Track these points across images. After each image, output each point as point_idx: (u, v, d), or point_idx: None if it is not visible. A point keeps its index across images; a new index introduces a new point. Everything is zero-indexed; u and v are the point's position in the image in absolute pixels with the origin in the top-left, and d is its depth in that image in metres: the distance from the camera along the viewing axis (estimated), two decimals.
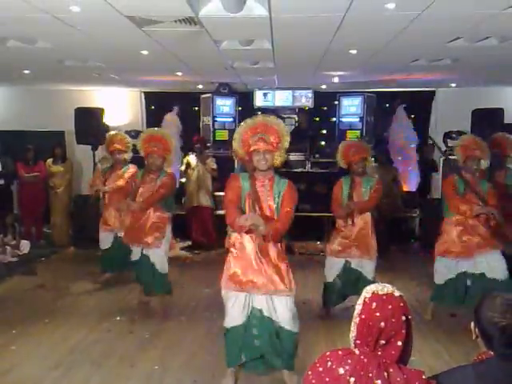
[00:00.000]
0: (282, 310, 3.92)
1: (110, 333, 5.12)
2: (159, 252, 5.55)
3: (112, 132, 7.21)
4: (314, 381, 1.94)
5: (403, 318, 1.87)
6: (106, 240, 6.61)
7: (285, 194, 3.89)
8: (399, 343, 1.86)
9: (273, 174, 3.95)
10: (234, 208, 3.80)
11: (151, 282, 5.62)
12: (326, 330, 5.21)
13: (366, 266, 5.47)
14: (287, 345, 3.95)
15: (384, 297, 1.91)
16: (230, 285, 3.92)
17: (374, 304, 1.90)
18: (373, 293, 1.93)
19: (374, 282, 2.08)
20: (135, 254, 5.65)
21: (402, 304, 1.90)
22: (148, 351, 4.73)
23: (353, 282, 5.45)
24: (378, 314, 1.87)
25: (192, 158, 8.47)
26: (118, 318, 5.51)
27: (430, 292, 6.19)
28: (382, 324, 1.86)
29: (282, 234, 3.90)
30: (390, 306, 1.88)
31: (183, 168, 8.52)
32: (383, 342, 1.87)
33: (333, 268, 5.56)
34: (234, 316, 3.94)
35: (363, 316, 1.91)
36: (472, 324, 1.98)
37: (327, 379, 1.90)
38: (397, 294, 1.92)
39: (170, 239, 5.83)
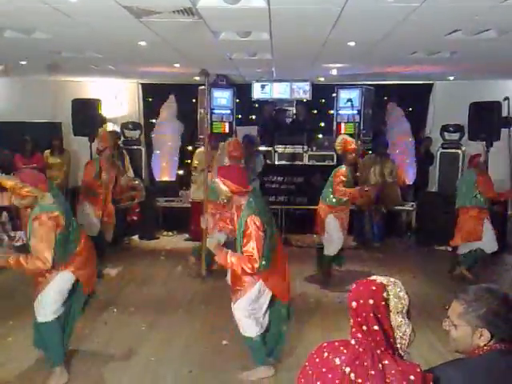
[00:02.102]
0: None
1: (107, 325, 5.13)
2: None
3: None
4: (310, 371, 1.97)
5: (370, 301, 1.90)
6: None
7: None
8: (375, 327, 1.89)
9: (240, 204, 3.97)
10: None
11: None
12: (322, 322, 5.23)
13: None
14: None
15: (364, 281, 1.98)
16: None
17: (353, 286, 1.98)
18: (362, 279, 2.01)
19: None
20: None
21: (373, 288, 1.93)
22: (144, 343, 4.75)
23: None
24: (350, 294, 1.96)
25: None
26: (115, 310, 5.52)
27: (425, 285, 6.26)
28: (354, 304, 1.93)
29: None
30: (361, 288, 1.94)
31: (196, 162, 8.19)
32: (365, 327, 1.90)
33: None
34: None
35: (347, 297, 1.99)
36: (474, 334, 1.98)
37: (324, 369, 1.92)
38: (378, 281, 1.96)
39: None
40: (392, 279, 1.99)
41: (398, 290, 1.95)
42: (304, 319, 5.34)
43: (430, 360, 3.61)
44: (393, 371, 1.83)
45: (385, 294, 1.92)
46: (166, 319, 5.32)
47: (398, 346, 1.93)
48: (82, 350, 4.56)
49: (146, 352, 4.55)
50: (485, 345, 1.95)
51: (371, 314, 1.88)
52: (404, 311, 1.94)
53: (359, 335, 1.91)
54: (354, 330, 1.94)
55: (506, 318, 1.94)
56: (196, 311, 5.54)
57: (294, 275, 6.92)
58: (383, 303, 1.90)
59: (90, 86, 10.27)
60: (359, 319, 1.90)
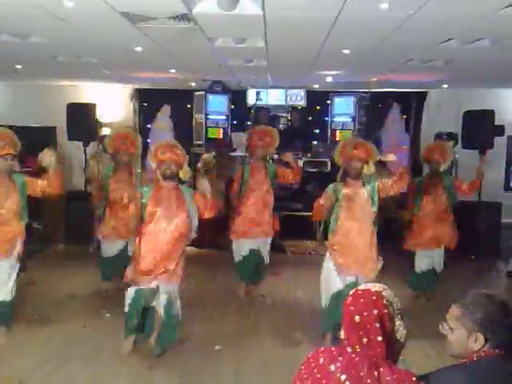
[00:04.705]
0: None
1: (100, 329, 5.10)
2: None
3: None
4: (305, 375, 1.97)
5: (375, 311, 1.89)
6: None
7: None
8: (379, 338, 1.87)
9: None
10: None
11: None
12: (317, 328, 5.22)
13: None
14: None
15: (360, 292, 1.96)
16: None
17: (350, 299, 1.96)
18: (355, 290, 2.00)
19: None
20: None
21: (374, 298, 1.92)
22: (137, 348, 4.73)
23: None
24: (352, 308, 1.93)
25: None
26: (108, 315, 5.50)
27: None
28: (357, 318, 1.90)
29: None
30: (361, 300, 1.92)
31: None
32: (366, 339, 1.89)
33: None
34: None
35: (344, 312, 1.96)
36: (470, 337, 1.99)
37: (319, 375, 1.92)
38: (373, 289, 1.95)
39: None
40: (378, 284, 2.00)
41: (390, 292, 1.97)
42: (298, 325, 5.34)
43: (422, 367, 3.61)
44: (388, 378, 1.84)
45: (384, 301, 1.92)
46: None
47: (397, 346, 1.94)
48: (74, 354, 4.54)
49: (139, 357, 4.54)
50: (479, 349, 1.96)
51: (377, 325, 1.87)
52: (399, 313, 1.96)
53: (357, 347, 1.90)
54: (351, 341, 1.92)
55: (501, 323, 1.94)
56: (188, 317, 5.52)
57: (288, 281, 6.98)
58: (385, 311, 1.90)
59: (86, 91, 10.26)
60: (361, 332, 1.89)
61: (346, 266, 4.79)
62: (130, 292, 4.50)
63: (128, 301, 4.51)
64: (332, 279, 4.84)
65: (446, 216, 6.11)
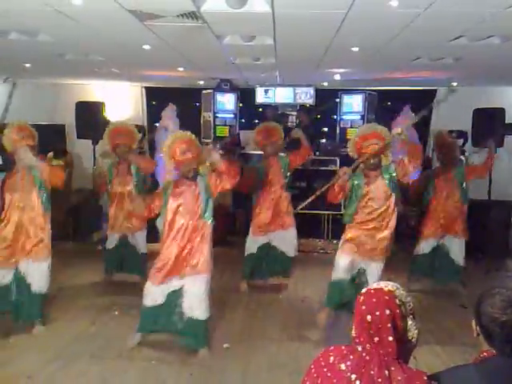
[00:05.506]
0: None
1: (109, 326, 5.13)
2: None
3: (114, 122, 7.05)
4: (315, 375, 1.96)
5: (387, 311, 1.87)
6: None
7: None
8: (390, 338, 1.85)
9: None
10: None
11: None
12: (323, 327, 5.21)
13: None
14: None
15: (372, 291, 1.94)
16: None
17: (362, 298, 1.94)
18: (367, 289, 1.97)
19: None
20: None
21: (386, 297, 1.90)
22: (146, 345, 4.74)
23: None
24: (363, 308, 1.91)
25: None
26: (117, 313, 5.51)
27: (429, 290, 6.24)
28: (369, 317, 1.88)
29: None
30: (374, 300, 1.90)
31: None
32: (377, 338, 1.87)
33: None
34: None
35: (356, 311, 1.94)
36: (473, 322, 1.99)
37: (329, 374, 1.91)
38: (386, 288, 1.93)
39: None
40: (391, 283, 1.98)
41: (402, 292, 1.95)
42: (306, 323, 5.34)
43: (431, 366, 3.60)
44: (399, 377, 1.83)
45: (397, 301, 1.90)
46: None
47: (408, 346, 1.92)
48: (82, 351, 4.56)
49: (148, 354, 4.55)
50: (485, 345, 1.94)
51: (388, 325, 1.85)
52: (411, 313, 1.94)
53: (368, 346, 1.89)
54: (361, 339, 1.91)
55: (497, 322, 1.90)
56: None
57: (296, 279, 6.96)
58: (398, 311, 1.88)
59: (94, 89, 10.29)
60: (372, 332, 1.87)
61: (357, 253, 4.98)
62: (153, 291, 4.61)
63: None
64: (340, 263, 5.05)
65: (459, 206, 6.28)
